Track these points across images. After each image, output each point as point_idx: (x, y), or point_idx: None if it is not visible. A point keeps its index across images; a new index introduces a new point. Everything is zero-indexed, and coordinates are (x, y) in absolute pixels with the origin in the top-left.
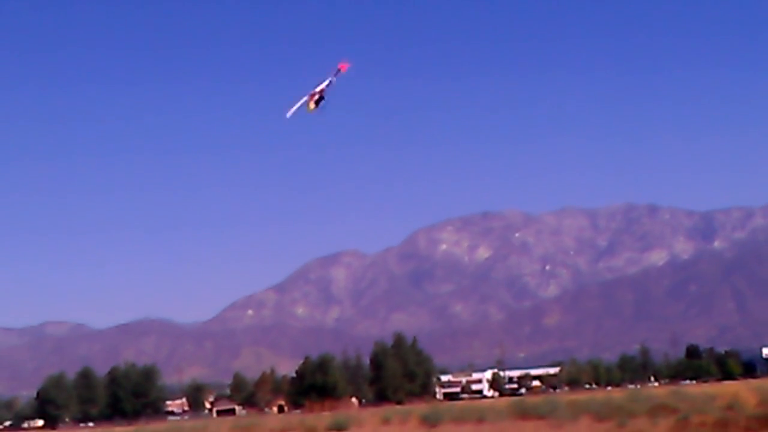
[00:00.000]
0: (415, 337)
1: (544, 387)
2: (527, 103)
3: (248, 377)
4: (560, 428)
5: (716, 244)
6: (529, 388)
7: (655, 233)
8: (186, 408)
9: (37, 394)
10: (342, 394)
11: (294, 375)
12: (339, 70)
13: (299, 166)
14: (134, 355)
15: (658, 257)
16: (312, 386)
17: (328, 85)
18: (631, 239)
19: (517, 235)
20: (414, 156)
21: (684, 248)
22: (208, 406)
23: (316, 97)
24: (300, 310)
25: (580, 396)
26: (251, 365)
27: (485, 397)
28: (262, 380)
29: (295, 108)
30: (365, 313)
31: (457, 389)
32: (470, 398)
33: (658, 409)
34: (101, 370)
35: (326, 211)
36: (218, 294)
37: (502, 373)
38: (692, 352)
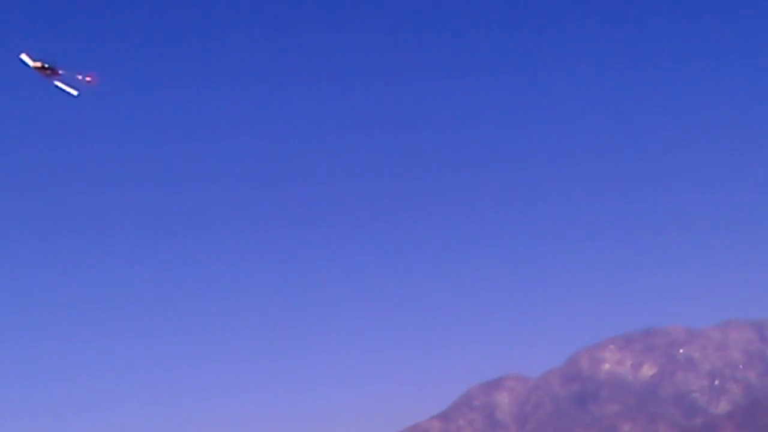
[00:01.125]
0: None
1: None
2: (683, 219)
3: None
4: None
5: None
6: None
7: None
8: None
9: None
10: None
11: None
12: (87, 80)
13: (458, 297)
14: None
15: None
16: None
17: (65, 76)
18: None
19: (681, 350)
20: (572, 277)
21: None
22: None
23: (45, 65)
24: None
25: None
26: None
27: None
28: None
29: (30, 61)
30: None
31: None
32: None
33: None
34: None
35: (485, 336)
36: (381, 424)
37: None
38: None
